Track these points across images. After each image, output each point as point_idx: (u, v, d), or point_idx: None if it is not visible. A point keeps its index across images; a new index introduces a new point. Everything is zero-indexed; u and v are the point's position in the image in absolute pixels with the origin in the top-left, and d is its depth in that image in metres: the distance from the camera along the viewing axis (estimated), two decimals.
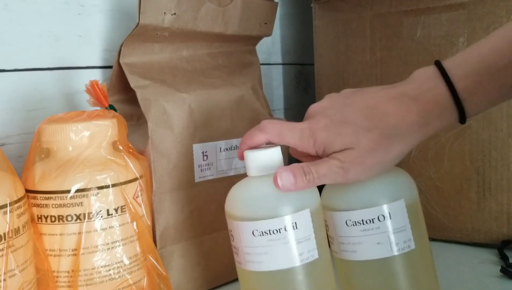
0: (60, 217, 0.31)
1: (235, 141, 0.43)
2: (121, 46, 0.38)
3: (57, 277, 0.31)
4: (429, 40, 0.52)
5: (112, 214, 0.32)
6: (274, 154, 0.31)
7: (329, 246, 0.33)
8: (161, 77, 0.40)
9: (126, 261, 0.32)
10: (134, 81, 0.38)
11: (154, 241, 0.38)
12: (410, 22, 0.53)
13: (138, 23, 0.36)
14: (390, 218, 0.32)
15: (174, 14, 0.38)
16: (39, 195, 0.31)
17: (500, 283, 0.42)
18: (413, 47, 0.53)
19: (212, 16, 0.41)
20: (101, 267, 0.31)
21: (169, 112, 0.38)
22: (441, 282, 0.43)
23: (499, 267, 0.44)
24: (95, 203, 0.31)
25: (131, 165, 0.33)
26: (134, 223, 0.33)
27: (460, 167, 0.52)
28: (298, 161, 0.33)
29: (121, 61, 0.38)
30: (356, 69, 0.56)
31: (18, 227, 0.28)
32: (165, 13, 0.37)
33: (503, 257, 0.47)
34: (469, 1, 0.50)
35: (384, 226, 0.32)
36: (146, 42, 0.39)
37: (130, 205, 0.33)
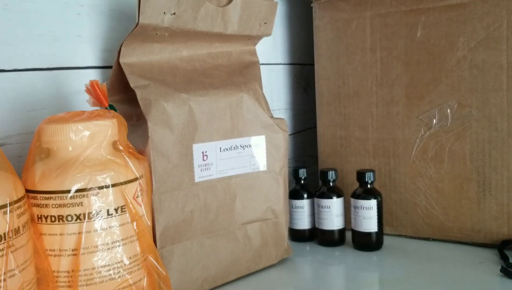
0: (60, 217, 0.31)
1: (234, 141, 0.43)
2: (121, 46, 0.38)
3: (57, 277, 0.31)
4: (429, 40, 0.52)
5: (112, 214, 0.32)
6: None
7: None
8: (161, 77, 0.40)
9: (126, 261, 0.32)
10: (133, 81, 0.38)
11: (154, 241, 0.38)
12: (410, 22, 0.53)
13: (138, 23, 0.36)
14: None
15: (174, 14, 0.38)
16: (39, 195, 0.31)
17: (500, 283, 0.42)
18: (413, 47, 0.53)
19: (212, 15, 0.41)
20: (101, 267, 0.31)
21: (169, 112, 0.38)
22: (441, 282, 0.43)
23: (499, 267, 0.44)
24: (95, 203, 0.31)
25: (131, 165, 0.33)
26: (134, 223, 0.33)
27: (460, 167, 0.52)
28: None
29: (121, 61, 0.38)
30: (356, 69, 0.56)
31: (18, 227, 0.28)
32: (164, 12, 0.37)
33: (503, 257, 0.47)
34: (469, 1, 0.50)
35: None
36: (146, 42, 0.39)
37: (130, 205, 0.33)
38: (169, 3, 0.38)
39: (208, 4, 0.40)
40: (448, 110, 0.52)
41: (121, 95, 0.41)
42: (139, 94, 0.38)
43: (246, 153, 0.44)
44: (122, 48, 0.38)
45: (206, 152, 0.41)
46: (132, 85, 0.38)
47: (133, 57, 0.39)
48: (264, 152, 0.45)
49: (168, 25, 0.38)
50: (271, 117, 0.46)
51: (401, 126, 0.55)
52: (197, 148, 0.40)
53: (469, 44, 0.50)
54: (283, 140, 0.47)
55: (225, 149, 0.42)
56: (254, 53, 0.49)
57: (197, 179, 0.40)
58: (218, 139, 0.42)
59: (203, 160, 0.41)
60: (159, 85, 0.39)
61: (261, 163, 0.45)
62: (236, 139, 0.43)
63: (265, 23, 0.46)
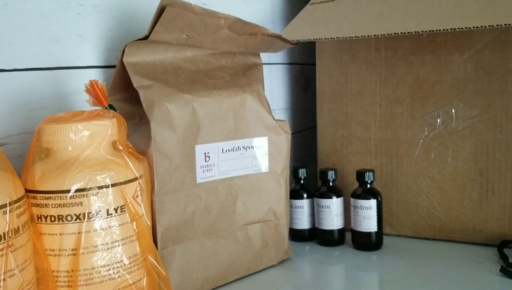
0: (60, 217, 0.31)
1: (237, 142, 0.43)
2: (125, 45, 0.38)
3: (57, 276, 0.31)
4: (435, 41, 0.52)
5: (111, 214, 0.32)
6: None
7: None
8: (164, 77, 0.40)
9: (126, 261, 0.32)
10: (137, 81, 0.38)
11: (155, 242, 0.38)
12: None
13: (148, 37, 0.36)
14: None
15: (187, 36, 0.38)
16: (39, 195, 0.31)
17: (499, 283, 0.42)
18: (419, 47, 0.52)
19: (226, 40, 0.41)
20: (101, 266, 0.31)
21: (172, 113, 0.38)
22: (440, 282, 0.43)
23: (499, 267, 0.44)
24: (95, 203, 0.31)
25: (131, 165, 0.33)
26: (134, 223, 0.33)
27: (464, 168, 0.52)
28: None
29: (124, 60, 0.38)
30: (360, 67, 0.56)
31: (18, 227, 0.28)
32: (177, 34, 0.37)
33: (503, 257, 0.46)
34: None
35: None
36: (150, 42, 0.39)
37: (130, 205, 0.33)
38: (185, 27, 0.37)
39: (226, 31, 0.39)
40: (453, 111, 0.51)
41: (123, 94, 0.41)
42: (142, 95, 0.38)
43: (248, 155, 0.44)
44: (126, 47, 0.38)
45: (208, 153, 0.41)
46: (135, 85, 0.38)
47: (137, 57, 0.39)
48: (266, 153, 0.45)
49: (177, 42, 0.38)
50: (274, 118, 0.46)
51: (404, 126, 0.54)
52: (200, 149, 0.40)
53: (476, 46, 0.50)
54: (285, 142, 0.46)
55: (227, 150, 0.42)
56: (257, 55, 0.48)
57: (199, 180, 0.40)
58: (220, 140, 0.42)
59: (205, 161, 0.41)
60: (163, 85, 0.39)
61: (263, 164, 0.45)
62: (239, 140, 0.43)
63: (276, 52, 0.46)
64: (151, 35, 0.36)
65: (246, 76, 0.45)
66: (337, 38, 0.47)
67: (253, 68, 0.47)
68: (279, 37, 0.43)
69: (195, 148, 0.40)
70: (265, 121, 0.44)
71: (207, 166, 0.41)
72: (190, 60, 0.42)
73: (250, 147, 0.44)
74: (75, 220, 0.31)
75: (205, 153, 0.40)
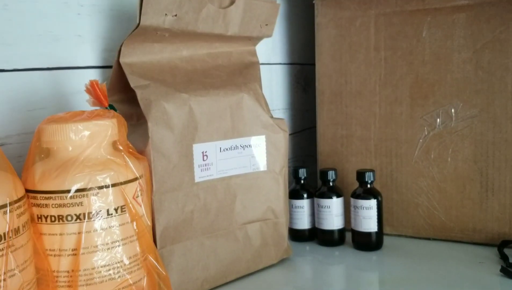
0: (60, 217, 0.31)
1: (235, 141, 0.43)
2: (121, 45, 0.38)
3: (57, 277, 0.31)
4: (435, 41, 0.52)
5: (112, 214, 0.32)
6: None
7: None
8: (161, 77, 0.40)
9: (126, 261, 0.32)
10: (134, 81, 0.38)
11: (154, 241, 0.38)
12: (416, 22, 0.52)
13: (139, 24, 0.36)
14: None
15: (175, 15, 0.38)
16: (39, 195, 0.31)
17: (500, 283, 0.42)
18: (418, 47, 0.52)
19: (213, 17, 0.41)
20: (101, 267, 0.31)
21: (169, 112, 0.38)
22: (441, 282, 0.43)
23: (499, 267, 0.44)
24: (95, 203, 0.31)
25: (131, 165, 0.33)
26: (134, 223, 0.33)
27: (464, 167, 0.52)
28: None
29: (121, 60, 0.38)
30: (360, 67, 0.56)
31: (18, 227, 0.28)
32: (166, 14, 0.37)
33: (503, 257, 0.46)
34: (476, 3, 0.49)
35: None
36: (146, 42, 0.39)
37: (130, 205, 0.33)
38: (171, 5, 0.37)
39: (210, 6, 0.40)
40: (453, 111, 0.51)
41: (121, 95, 0.41)
42: (139, 94, 0.38)
43: (246, 153, 0.44)
44: (122, 48, 0.38)
45: (206, 152, 0.41)
46: (132, 85, 0.38)
47: (133, 57, 0.39)
48: (264, 152, 0.45)
49: (169, 26, 0.38)
50: (271, 117, 0.46)
51: (404, 126, 0.54)
52: (197, 148, 0.40)
53: (475, 46, 0.50)
54: (283, 140, 0.46)
55: (225, 149, 0.42)
56: (254, 54, 0.48)
57: (197, 179, 0.40)
58: (218, 139, 0.42)
59: (203, 160, 0.41)
60: (160, 85, 0.39)
61: (261, 163, 0.45)
62: (236, 139, 0.43)
63: (266, 24, 0.46)
64: (141, 19, 0.36)
65: (243, 74, 0.46)
66: None
67: (250, 67, 0.47)
68: None
69: (193, 147, 0.40)
70: (263, 119, 0.45)
71: (205, 165, 0.41)
72: (186, 59, 0.43)
73: (248, 146, 0.44)
74: (75, 220, 0.31)
75: (202, 152, 0.40)
